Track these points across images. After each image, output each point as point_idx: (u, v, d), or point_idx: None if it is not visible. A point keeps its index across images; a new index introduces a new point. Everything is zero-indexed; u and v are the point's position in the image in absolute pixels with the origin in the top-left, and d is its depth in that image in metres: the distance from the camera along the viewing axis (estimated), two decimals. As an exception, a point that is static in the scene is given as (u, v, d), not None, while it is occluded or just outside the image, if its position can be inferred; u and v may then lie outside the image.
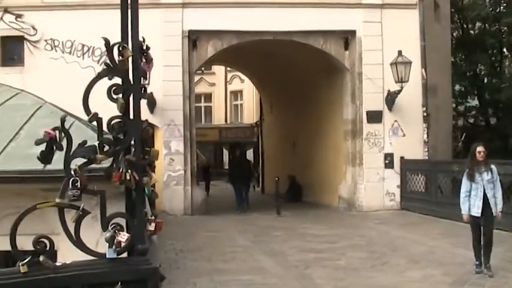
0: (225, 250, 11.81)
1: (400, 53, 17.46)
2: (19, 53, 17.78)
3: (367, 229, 14.54)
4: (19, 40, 17.61)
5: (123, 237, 2.25)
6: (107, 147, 2.64)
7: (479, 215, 8.90)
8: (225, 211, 19.36)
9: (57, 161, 6.26)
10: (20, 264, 2.07)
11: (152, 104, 16.88)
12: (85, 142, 2.66)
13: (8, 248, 5.49)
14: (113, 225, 2.34)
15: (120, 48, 2.96)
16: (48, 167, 6.24)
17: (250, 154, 36.00)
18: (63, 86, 15.03)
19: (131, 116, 2.77)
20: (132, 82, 2.79)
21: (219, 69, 40.62)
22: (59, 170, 5.82)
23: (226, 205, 21.61)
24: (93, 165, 2.77)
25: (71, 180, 2.19)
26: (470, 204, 8.97)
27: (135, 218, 2.35)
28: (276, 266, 10.44)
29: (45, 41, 17.52)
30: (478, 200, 8.89)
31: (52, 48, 17.55)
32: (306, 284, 8.98)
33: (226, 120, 42.86)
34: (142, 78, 2.92)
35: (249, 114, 39.76)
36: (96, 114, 2.72)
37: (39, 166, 6.19)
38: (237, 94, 42.54)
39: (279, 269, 10.21)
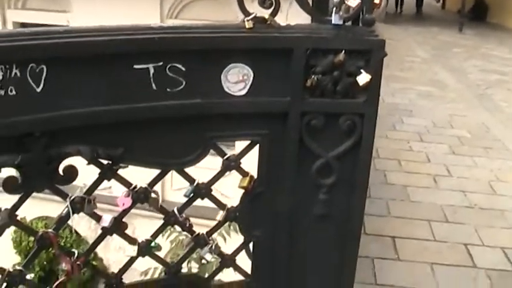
0: (403, 59, 11.54)
1: None
2: None
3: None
4: None
5: (354, 2, 2.08)
6: None
7: None
8: (404, 22, 18.68)
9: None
10: (246, 19, 2.01)
11: None
12: None
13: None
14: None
15: None
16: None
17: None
18: None
19: None
20: None
21: None
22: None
23: (405, 16, 20.85)
24: None
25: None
26: None
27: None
28: (455, 81, 10.08)
29: None
30: None
31: None
32: (486, 104, 8.61)
33: None
34: None
35: None
36: None
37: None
38: None
39: (458, 85, 9.85)
